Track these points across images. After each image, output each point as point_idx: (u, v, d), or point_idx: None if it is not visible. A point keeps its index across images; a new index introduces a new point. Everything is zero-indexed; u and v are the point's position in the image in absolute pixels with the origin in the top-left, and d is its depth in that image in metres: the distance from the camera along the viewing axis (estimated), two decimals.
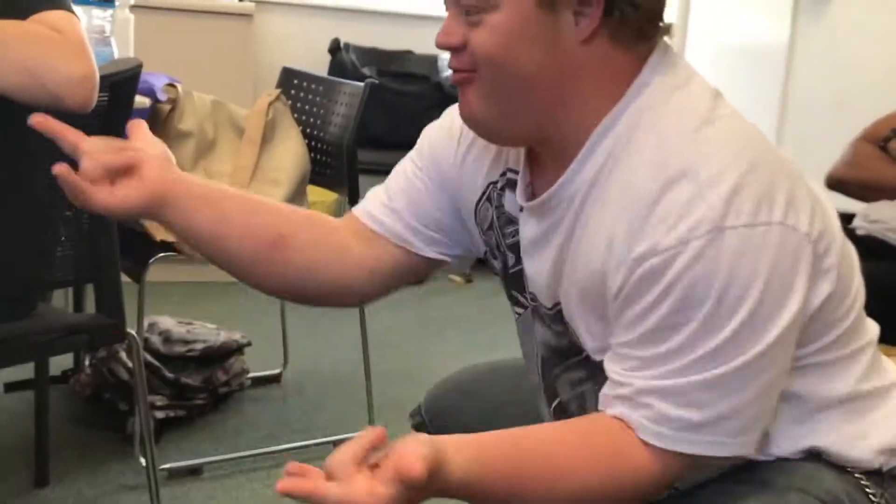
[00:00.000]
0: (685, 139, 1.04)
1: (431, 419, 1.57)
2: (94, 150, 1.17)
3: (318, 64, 4.03)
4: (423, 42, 4.41)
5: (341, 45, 4.19)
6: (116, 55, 2.33)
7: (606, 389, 1.08)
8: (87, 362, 2.73)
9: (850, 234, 2.47)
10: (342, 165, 2.58)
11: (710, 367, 1.00)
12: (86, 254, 1.84)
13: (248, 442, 2.61)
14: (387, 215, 1.33)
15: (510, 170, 1.24)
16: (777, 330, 1.00)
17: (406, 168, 1.34)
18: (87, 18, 2.24)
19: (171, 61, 3.30)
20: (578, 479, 1.04)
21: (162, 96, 2.36)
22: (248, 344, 2.88)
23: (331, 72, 4.10)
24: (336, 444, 2.56)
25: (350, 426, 2.73)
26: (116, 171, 1.18)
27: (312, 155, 2.65)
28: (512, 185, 1.23)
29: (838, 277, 1.08)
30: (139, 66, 1.76)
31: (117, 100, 1.73)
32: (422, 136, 1.35)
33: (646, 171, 1.03)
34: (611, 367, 1.08)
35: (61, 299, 2.98)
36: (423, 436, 0.95)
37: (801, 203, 1.03)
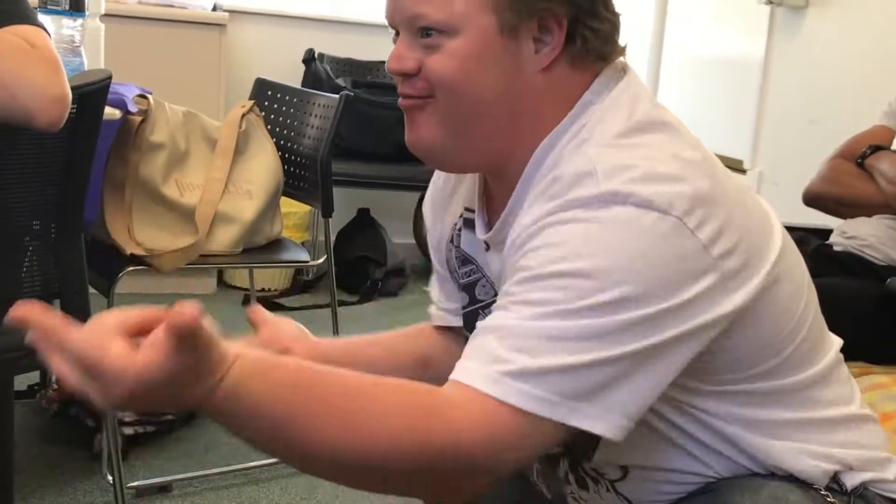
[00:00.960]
0: (611, 147, 1.03)
1: None
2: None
3: (292, 74, 3.99)
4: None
5: (315, 55, 4.16)
6: (86, 65, 2.29)
7: None
8: (53, 377, 2.68)
9: (826, 249, 2.49)
10: (316, 178, 2.55)
11: (557, 321, 0.95)
12: (52, 268, 1.79)
13: (219, 458, 2.57)
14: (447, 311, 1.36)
15: (466, 209, 1.24)
16: (639, 312, 0.95)
17: (435, 272, 1.38)
18: (56, 28, 2.20)
19: (142, 71, 3.26)
20: (379, 419, 0.93)
21: (133, 108, 2.31)
22: None
23: (305, 82, 4.06)
24: None
25: None
26: None
27: (286, 167, 2.61)
28: (468, 223, 1.24)
29: (765, 304, 1.05)
30: (109, 78, 1.73)
31: (86, 112, 1.69)
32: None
33: (569, 174, 1.03)
34: None
35: None
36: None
37: (723, 223, 1.00)
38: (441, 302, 1.36)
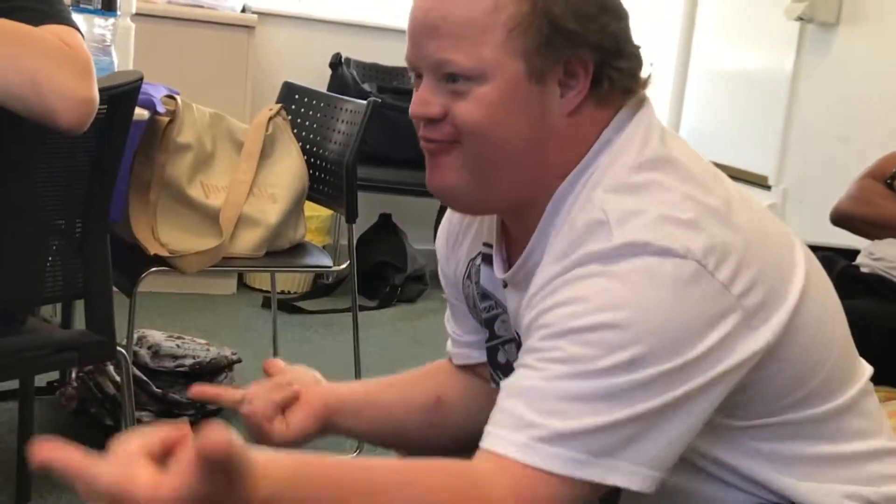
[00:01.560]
0: (619, 192, 1.03)
1: None
2: (262, 393, 1.24)
3: (318, 78, 3.99)
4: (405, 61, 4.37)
5: (342, 59, 4.16)
6: (116, 65, 2.29)
7: None
8: (73, 374, 2.68)
9: (853, 270, 2.47)
10: (341, 183, 2.54)
11: (583, 380, 0.95)
12: (78, 268, 1.79)
13: None
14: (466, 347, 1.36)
15: (486, 244, 1.24)
16: (665, 366, 0.95)
17: (449, 304, 1.38)
18: (87, 27, 2.20)
19: (171, 72, 3.26)
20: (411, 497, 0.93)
21: (161, 108, 2.31)
22: (239, 360, 2.83)
23: (331, 86, 4.06)
24: None
25: (339, 448, 2.68)
26: (285, 406, 1.24)
27: (311, 171, 2.61)
28: (487, 259, 1.23)
29: (791, 336, 1.04)
30: (140, 80, 1.72)
31: (116, 112, 1.69)
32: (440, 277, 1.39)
33: (584, 216, 1.03)
34: None
35: (49, 310, 2.93)
36: None
37: (740, 259, 0.99)
38: (460, 336, 1.37)
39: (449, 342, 1.40)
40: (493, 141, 1.06)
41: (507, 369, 1.25)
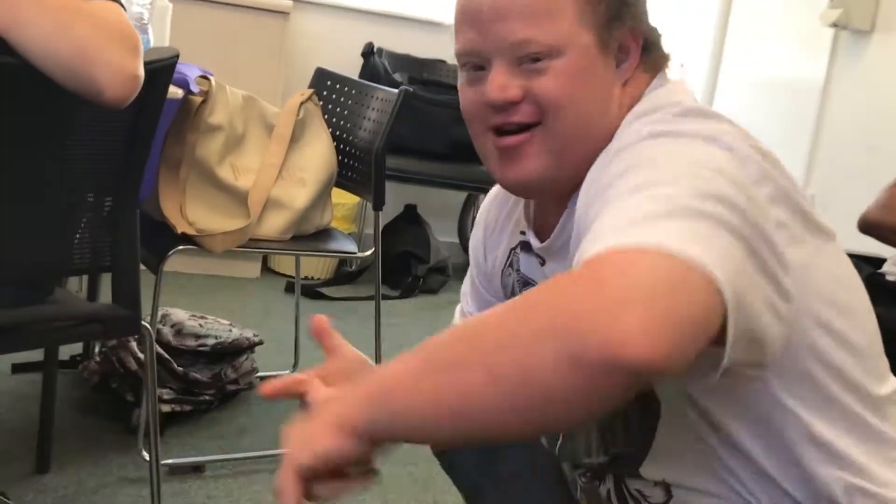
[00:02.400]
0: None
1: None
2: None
3: (349, 66, 4.01)
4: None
5: (374, 49, 4.17)
6: (153, 44, 2.31)
7: None
8: (96, 349, 2.70)
9: (878, 279, 2.46)
10: (370, 171, 2.55)
11: (659, 188, 0.89)
12: (106, 241, 1.81)
13: (253, 443, 2.58)
14: None
15: (522, 232, 1.26)
16: (729, 182, 0.91)
17: (469, 282, 1.41)
18: (126, 4, 2.21)
19: (205, 53, 3.28)
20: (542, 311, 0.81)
21: (195, 88, 2.33)
22: (260, 342, 2.85)
23: (362, 75, 4.07)
24: None
25: None
26: None
27: (340, 158, 2.62)
28: (525, 246, 1.25)
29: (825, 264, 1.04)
30: (176, 57, 1.74)
31: (152, 88, 1.70)
32: (470, 253, 1.41)
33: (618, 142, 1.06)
34: None
35: (75, 283, 2.96)
36: None
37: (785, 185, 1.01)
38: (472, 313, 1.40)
39: (458, 315, 1.42)
40: (576, 113, 1.09)
41: None
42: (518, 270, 1.28)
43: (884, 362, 1.16)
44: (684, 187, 0.88)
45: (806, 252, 1.01)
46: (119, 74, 1.51)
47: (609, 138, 1.09)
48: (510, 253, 1.30)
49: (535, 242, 1.21)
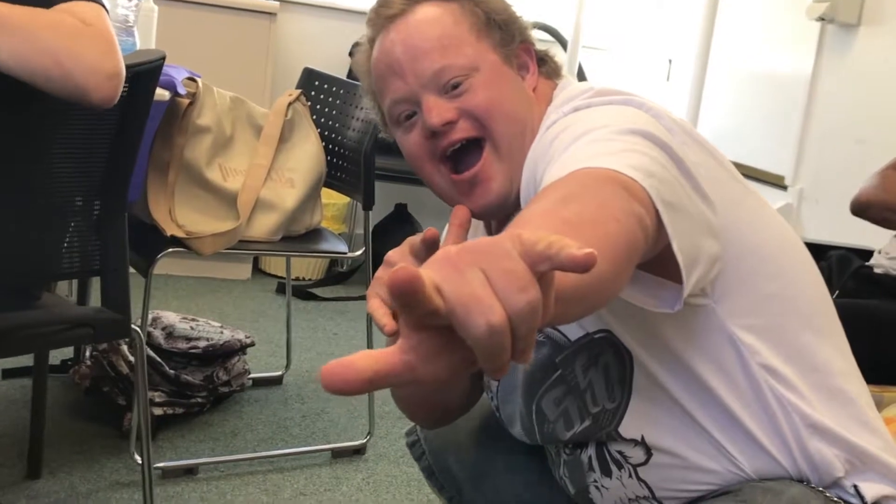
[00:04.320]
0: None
1: (426, 436, 1.59)
2: None
3: (337, 66, 4.00)
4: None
5: None
6: (139, 46, 2.30)
7: None
8: (87, 353, 2.70)
9: (867, 271, 2.47)
10: (359, 171, 2.55)
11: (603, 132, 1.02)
12: (95, 246, 1.80)
13: (246, 444, 2.58)
14: None
15: None
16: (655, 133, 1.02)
17: None
18: (111, 7, 2.20)
19: (192, 55, 3.27)
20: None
21: (182, 90, 2.32)
22: (252, 344, 2.85)
23: (350, 75, 4.06)
24: (334, 452, 2.56)
25: (349, 434, 2.70)
26: None
27: (329, 158, 2.62)
28: None
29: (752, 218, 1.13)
30: (162, 59, 1.73)
31: (138, 91, 1.70)
32: None
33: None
34: None
35: (65, 287, 2.96)
36: None
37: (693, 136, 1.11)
38: None
39: None
40: (507, 113, 1.21)
41: None
42: None
43: (836, 325, 1.21)
44: (612, 128, 1.01)
45: (726, 190, 1.12)
46: (99, 75, 1.52)
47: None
48: None
49: None
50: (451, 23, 1.22)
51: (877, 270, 2.50)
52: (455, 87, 1.20)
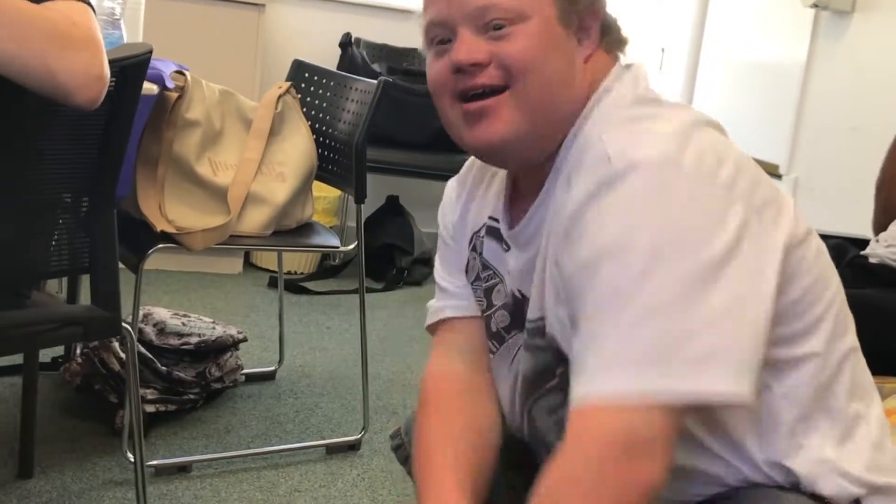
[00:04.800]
0: (631, 126, 1.08)
1: (411, 439, 1.56)
2: None
3: (327, 58, 3.97)
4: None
5: (352, 39, 4.13)
6: (126, 39, 2.27)
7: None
8: (78, 351, 2.67)
9: (862, 260, 2.45)
10: (350, 163, 2.52)
11: (633, 299, 0.97)
12: (84, 243, 1.77)
13: (239, 441, 2.56)
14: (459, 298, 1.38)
15: (491, 217, 1.29)
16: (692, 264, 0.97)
17: (441, 249, 1.41)
18: (97, 0, 2.18)
19: (180, 48, 3.25)
20: None
21: (170, 83, 2.29)
22: (244, 339, 2.82)
23: (340, 66, 4.04)
24: (329, 448, 2.54)
25: (343, 430, 2.68)
26: None
27: (320, 151, 2.59)
28: (491, 231, 1.28)
29: (796, 243, 1.07)
30: (149, 52, 1.70)
31: (125, 85, 1.67)
32: (439, 217, 1.42)
33: (590, 157, 1.07)
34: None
35: (55, 285, 2.93)
36: None
37: (736, 166, 1.03)
38: (450, 284, 1.39)
39: (436, 301, 1.41)
40: (542, 77, 1.11)
41: (498, 337, 1.30)
42: (481, 254, 1.31)
43: (846, 322, 1.17)
44: (685, 271, 0.97)
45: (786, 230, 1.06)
46: (83, 77, 1.50)
47: (575, 110, 1.14)
48: (472, 237, 1.33)
49: (504, 228, 1.24)
50: None
51: (872, 260, 2.49)
52: (497, 28, 1.11)
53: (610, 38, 1.19)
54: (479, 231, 1.31)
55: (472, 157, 1.34)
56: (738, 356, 0.97)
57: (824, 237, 2.76)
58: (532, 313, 1.20)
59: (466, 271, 1.35)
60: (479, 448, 1.28)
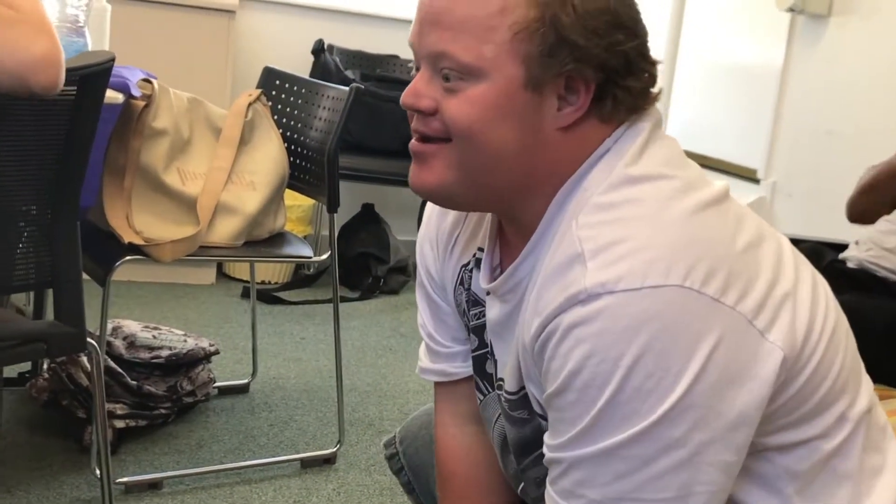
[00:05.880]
0: (608, 216, 0.98)
1: (406, 450, 1.53)
2: None
3: (300, 65, 3.93)
4: (409, 47, 4.31)
5: (325, 46, 4.09)
6: (90, 47, 2.22)
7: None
8: (45, 366, 2.61)
9: (841, 266, 2.42)
10: (322, 172, 2.47)
11: (593, 445, 0.95)
12: (46, 257, 1.72)
13: (212, 456, 2.50)
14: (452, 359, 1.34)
15: (479, 249, 1.20)
16: (663, 406, 0.91)
17: (424, 302, 1.34)
18: (60, 7, 2.13)
19: (148, 55, 3.19)
20: None
21: (136, 92, 2.24)
22: (216, 352, 2.77)
23: (313, 73, 3.99)
24: (303, 462, 2.49)
25: (318, 443, 2.63)
26: None
27: (292, 159, 2.54)
28: (479, 264, 1.19)
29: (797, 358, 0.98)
30: (111, 60, 1.66)
31: (86, 94, 1.62)
32: (419, 265, 1.33)
33: (563, 249, 0.98)
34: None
35: (23, 297, 2.87)
36: None
37: (735, 277, 0.94)
38: (439, 345, 1.33)
39: (423, 356, 1.36)
40: (482, 144, 1.02)
41: (491, 380, 1.24)
42: (468, 289, 1.23)
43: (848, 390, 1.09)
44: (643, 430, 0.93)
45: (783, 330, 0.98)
46: (32, 58, 1.45)
47: (544, 182, 1.04)
48: (461, 270, 1.25)
49: (483, 279, 1.17)
50: (498, 8, 0.98)
51: (850, 264, 2.47)
52: (446, 79, 1.01)
53: (605, 108, 1.03)
54: (467, 264, 1.24)
55: (429, 207, 1.30)
56: None
57: (801, 241, 2.75)
58: (510, 385, 1.14)
59: (457, 310, 1.29)
60: None
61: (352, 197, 4.14)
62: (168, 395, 2.58)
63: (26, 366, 2.73)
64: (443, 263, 1.27)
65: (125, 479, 2.30)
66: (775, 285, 0.98)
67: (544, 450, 1.02)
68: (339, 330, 2.57)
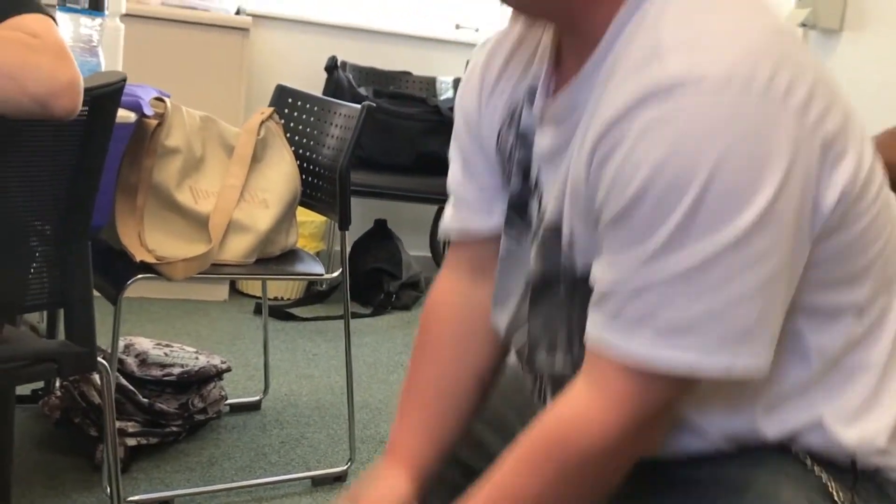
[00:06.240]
0: (684, 22, 0.90)
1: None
2: None
3: (314, 82, 3.94)
4: (422, 63, 4.32)
5: (338, 63, 4.10)
6: (104, 66, 2.23)
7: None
8: (57, 383, 2.61)
9: None
10: (335, 189, 2.47)
11: (672, 261, 0.86)
12: (58, 276, 1.73)
13: (223, 474, 2.50)
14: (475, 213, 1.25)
15: (533, 85, 1.12)
16: (751, 214, 0.84)
17: (456, 145, 1.25)
18: (73, 27, 2.14)
19: (161, 74, 3.21)
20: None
21: (149, 111, 2.25)
22: (228, 370, 2.76)
23: (326, 90, 4.00)
24: (314, 480, 2.49)
25: (329, 461, 2.62)
26: None
27: (304, 177, 2.55)
28: (532, 97, 1.11)
29: (858, 184, 0.94)
30: (123, 81, 1.66)
31: (98, 114, 1.63)
32: (456, 103, 1.25)
33: (640, 43, 0.91)
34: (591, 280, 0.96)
35: (35, 316, 2.87)
36: None
37: (813, 91, 0.88)
38: (466, 195, 1.24)
39: (450, 211, 1.27)
40: None
41: (535, 217, 1.14)
42: (518, 128, 1.14)
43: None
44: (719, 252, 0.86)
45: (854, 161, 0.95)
46: (53, 85, 1.47)
47: None
48: (512, 111, 1.16)
49: (539, 101, 1.09)
50: None
51: None
52: None
53: None
54: (519, 101, 1.14)
55: (474, 57, 1.22)
56: (768, 334, 0.89)
57: None
58: (550, 215, 1.06)
59: (499, 158, 1.19)
60: (462, 394, 1.28)
61: (364, 213, 4.14)
62: (180, 413, 2.58)
63: (39, 383, 2.74)
64: (486, 110, 1.19)
65: (136, 498, 2.30)
66: (848, 122, 0.94)
67: (597, 285, 0.94)
68: (350, 346, 2.57)
